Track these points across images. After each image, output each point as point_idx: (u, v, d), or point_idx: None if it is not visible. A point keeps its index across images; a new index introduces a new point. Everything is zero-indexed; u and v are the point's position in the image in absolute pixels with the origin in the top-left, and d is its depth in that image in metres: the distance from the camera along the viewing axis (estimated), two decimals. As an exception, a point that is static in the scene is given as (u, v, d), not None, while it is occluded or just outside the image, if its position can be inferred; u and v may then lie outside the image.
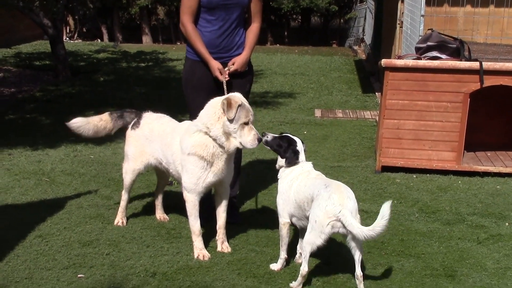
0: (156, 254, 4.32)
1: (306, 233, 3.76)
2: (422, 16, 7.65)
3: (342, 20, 22.41)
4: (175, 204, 5.12)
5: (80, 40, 20.22)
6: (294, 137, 4.10)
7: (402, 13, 9.36)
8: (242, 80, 4.81)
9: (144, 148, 4.65)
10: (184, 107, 5.23)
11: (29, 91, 10.65)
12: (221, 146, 4.14)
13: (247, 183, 5.75)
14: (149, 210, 5.16)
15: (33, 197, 5.44)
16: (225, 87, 4.61)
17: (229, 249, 4.41)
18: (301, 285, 3.85)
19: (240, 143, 4.10)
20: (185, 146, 4.22)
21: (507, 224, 5.02)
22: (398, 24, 9.58)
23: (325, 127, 8.37)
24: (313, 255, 3.80)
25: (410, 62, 6.18)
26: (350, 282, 3.94)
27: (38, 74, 12.30)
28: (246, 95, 4.54)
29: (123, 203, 4.88)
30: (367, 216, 4.94)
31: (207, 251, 4.35)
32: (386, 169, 6.32)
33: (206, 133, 4.13)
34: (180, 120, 4.70)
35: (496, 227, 4.96)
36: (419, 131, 6.23)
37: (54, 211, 5.06)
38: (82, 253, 4.31)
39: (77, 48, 16.29)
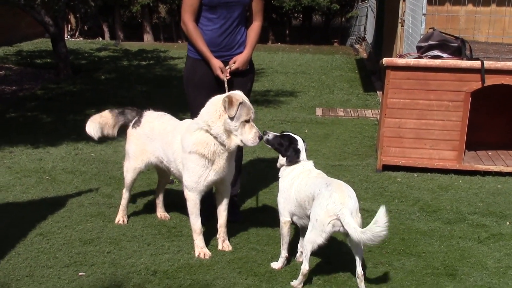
0: (157, 253, 4.32)
1: (307, 232, 3.76)
2: (424, 15, 7.65)
3: (343, 19, 22.37)
4: (176, 202, 5.12)
5: (81, 38, 20.19)
6: (295, 136, 4.10)
7: (404, 11, 9.36)
8: (243, 78, 4.81)
9: (145, 147, 4.65)
10: (185, 106, 5.22)
11: (30, 89, 10.65)
12: (222, 144, 4.14)
13: (248, 181, 5.75)
14: (150, 208, 5.16)
15: (34, 195, 5.45)
16: (226, 85, 4.60)
17: (230, 248, 4.41)
18: (302, 284, 3.85)
19: (241, 141, 4.10)
20: (186, 144, 4.22)
21: (508, 223, 5.02)
22: (400, 23, 9.57)
23: (326, 126, 8.36)
24: (314, 253, 3.80)
25: (411, 61, 6.17)
26: (351, 281, 3.94)
27: (39, 72, 12.29)
28: (247, 94, 4.53)
29: (124, 201, 4.88)
30: (368, 215, 4.92)
31: (208, 249, 4.35)
32: (387, 168, 6.32)
33: (207, 131, 4.13)
34: (181, 119, 4.69)
35: (497, 226, 4.95)
36: (420, 130, 6.23)
37: (55, 209, 5.07)
38: (83, 251, 4.31)
39: (79, 46, 16.28)
